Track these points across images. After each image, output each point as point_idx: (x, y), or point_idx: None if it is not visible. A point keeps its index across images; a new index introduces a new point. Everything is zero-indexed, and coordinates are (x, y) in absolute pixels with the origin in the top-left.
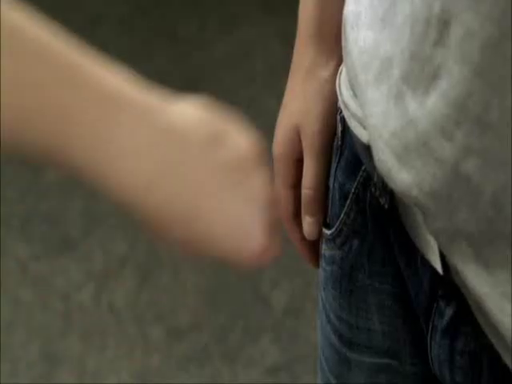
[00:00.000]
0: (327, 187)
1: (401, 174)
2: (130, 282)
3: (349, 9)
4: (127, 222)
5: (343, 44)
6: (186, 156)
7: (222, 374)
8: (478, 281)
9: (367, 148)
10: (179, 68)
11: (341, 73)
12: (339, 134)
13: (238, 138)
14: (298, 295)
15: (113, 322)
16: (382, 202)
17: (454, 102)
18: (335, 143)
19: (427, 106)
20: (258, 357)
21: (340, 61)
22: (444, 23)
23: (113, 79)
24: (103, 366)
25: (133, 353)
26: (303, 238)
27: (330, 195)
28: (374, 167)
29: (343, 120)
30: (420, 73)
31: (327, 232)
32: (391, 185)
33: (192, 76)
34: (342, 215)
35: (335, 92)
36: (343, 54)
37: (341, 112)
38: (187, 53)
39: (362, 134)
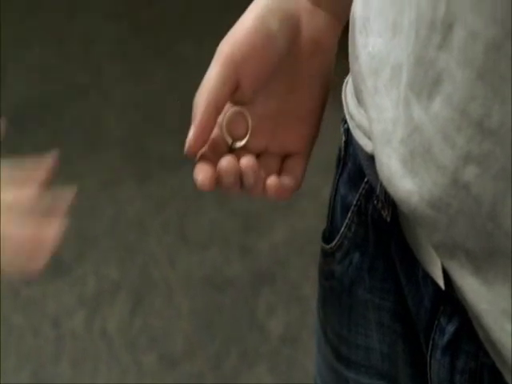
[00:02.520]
0: (329, 200)
1: (403, 181)
2: (123, 307)
3: (356, 14)
4: (120, 246)
5: (350, 50)
6: None
7: None
8: (478, 297)
9: (371, 158)
10: (175, 90)
11: (347, 83)
12: (342, 146)
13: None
14: (294, 323)
15: (105, 347)
16: (384, 215)
17: (456, 107)
18: (338, 155)
19: (431, 112)
20: None
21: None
22: (448, 26)
23: None
24: None
25: (125, 380)
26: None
27: (331, 208)
28: (377, 178)
29: (347, 131)
30: (424, 78)
31: (327, 246)
32: (391, 192)
33: (188, 97)
34: (342, 228)
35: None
36: (350, 59)
37: (345, 123)
38: (183, 74)
39: (366, 144)
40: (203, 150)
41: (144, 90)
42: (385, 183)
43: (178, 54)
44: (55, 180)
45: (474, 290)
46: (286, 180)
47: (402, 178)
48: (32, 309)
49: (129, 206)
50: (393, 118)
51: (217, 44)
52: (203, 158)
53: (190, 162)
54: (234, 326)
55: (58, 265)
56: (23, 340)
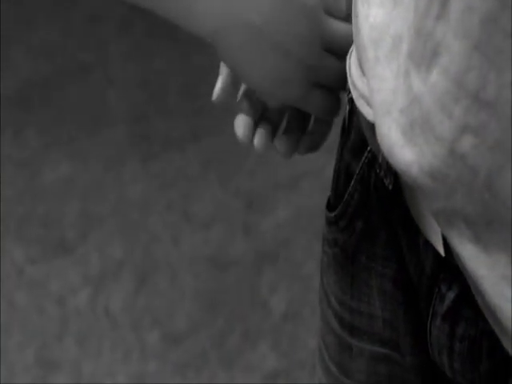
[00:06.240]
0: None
1: (403, 152)
2: (127, 286)
3: None
4: (124, 226)
5: (353, 21)
6: None
7: (220, 380)
8: (477, 263)
9: (373, 127)
10: (179, 70)
11: (351, 54)
12: (347, 115)
13: None
14: (296, 300)
15: (109, 326)
16: (387, 183)
17: (453, 78)
18: (342, 124)
19: (429, 83)
20: (257, 362)
21: None
22: None
23: None
24: (99, 371)
25: (129, 357)
26: None
27: (335, 176)
28: (380, 147)
29: (351, 101)
30: (423, 49)
31: (330, 214)
32: (392, 162)
33: (192, 77)
34: (345, 196)
35: None
36: (353, 30)
37: (349, 93)
38: (187, 54)
39: (369, 113)
40: None
41: (149, 70)
42: (386, 154)
43: (183, 34)
44: (60, 159)
45: (473, 257)
46: None
47: (402, 149)
48: (36, 287)
49: (133, 185)
50: (393, 88)
51: None
52: None
53: (194, 142)
54: (237, 304)
55: (62, 244)
56: (27, 319)
